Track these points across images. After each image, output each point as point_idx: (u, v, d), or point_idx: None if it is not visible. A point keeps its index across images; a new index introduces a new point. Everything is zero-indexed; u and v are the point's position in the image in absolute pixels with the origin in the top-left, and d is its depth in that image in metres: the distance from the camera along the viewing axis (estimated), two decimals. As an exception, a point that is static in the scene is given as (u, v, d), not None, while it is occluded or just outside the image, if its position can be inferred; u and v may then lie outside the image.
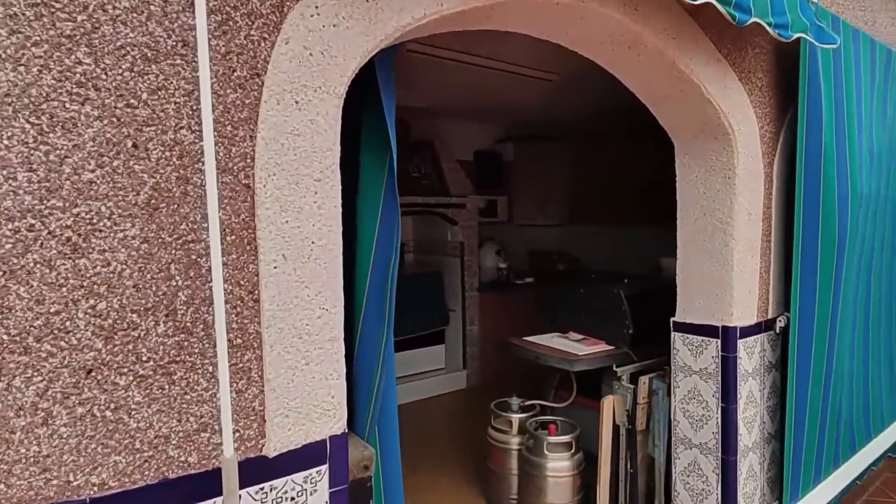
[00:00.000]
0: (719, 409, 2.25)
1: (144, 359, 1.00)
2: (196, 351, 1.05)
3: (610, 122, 5.20)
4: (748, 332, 2.27)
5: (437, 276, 4.76)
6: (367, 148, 1.51)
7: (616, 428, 2.60)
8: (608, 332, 2.86)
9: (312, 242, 1.16)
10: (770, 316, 2.39)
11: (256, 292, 1.10)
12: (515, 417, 2.90)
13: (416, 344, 4.66)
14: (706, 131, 2.17)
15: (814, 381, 2.39)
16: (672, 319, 2.40)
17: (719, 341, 2.23)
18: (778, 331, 2.41)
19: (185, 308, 1.04)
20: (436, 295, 4.71)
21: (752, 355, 2.30)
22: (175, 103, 1.02)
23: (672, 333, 2.40)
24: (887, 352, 3.23)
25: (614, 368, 2.57)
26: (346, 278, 1.26)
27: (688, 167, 2.30)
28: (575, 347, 2.79)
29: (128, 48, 0.97)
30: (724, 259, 2.20)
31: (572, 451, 2.65)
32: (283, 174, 1.13)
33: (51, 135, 0.91)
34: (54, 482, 0.93)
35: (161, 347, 1.02)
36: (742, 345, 2.24)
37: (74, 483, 0.95)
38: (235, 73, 1.08)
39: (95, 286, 0.96)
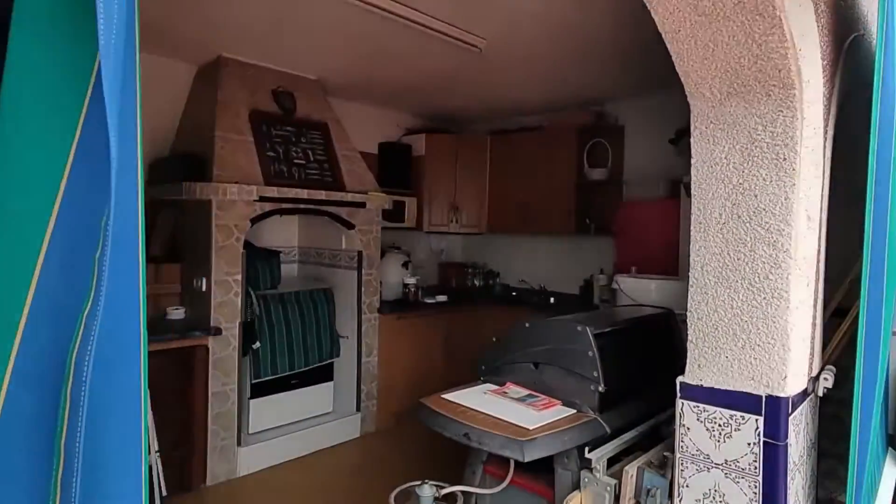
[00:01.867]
0: (758, 526, 1.41)
1: None
2: None
3: (543, 109, 4.45)
4: (797, 401, 1.46)
5: (327, 295, 3.69)
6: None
7: (586, 542, 1.70)
8: (566, 389, 1.96)
9: None
10: (814, 373, 1.61)
11: None
12: (429, 519, 1.92)
13: (296, 382, 3.55)
14: (752, 83, 1.34)
15: (871, 459, 1.64)
16: (679, 380, 1.54)
17: (761, 419, 1.40)
18: (821, 392, 1.64)
19: None
20: (324, 318, 3.63)
21: (798, 436, 1.50)
22: None
23: (678, 402, 1.54)
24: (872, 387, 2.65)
25: (587, 455, 1.66)
26: None
27: (712, 142, 1.45)
28: (521, 414, 1.85)
29: None
30: (774, 289, 1.37)
31: (519, 579, 1.71)
32: None
33: None
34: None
35: None
36: (791, 423, 1.43)
37: None
38: None
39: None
